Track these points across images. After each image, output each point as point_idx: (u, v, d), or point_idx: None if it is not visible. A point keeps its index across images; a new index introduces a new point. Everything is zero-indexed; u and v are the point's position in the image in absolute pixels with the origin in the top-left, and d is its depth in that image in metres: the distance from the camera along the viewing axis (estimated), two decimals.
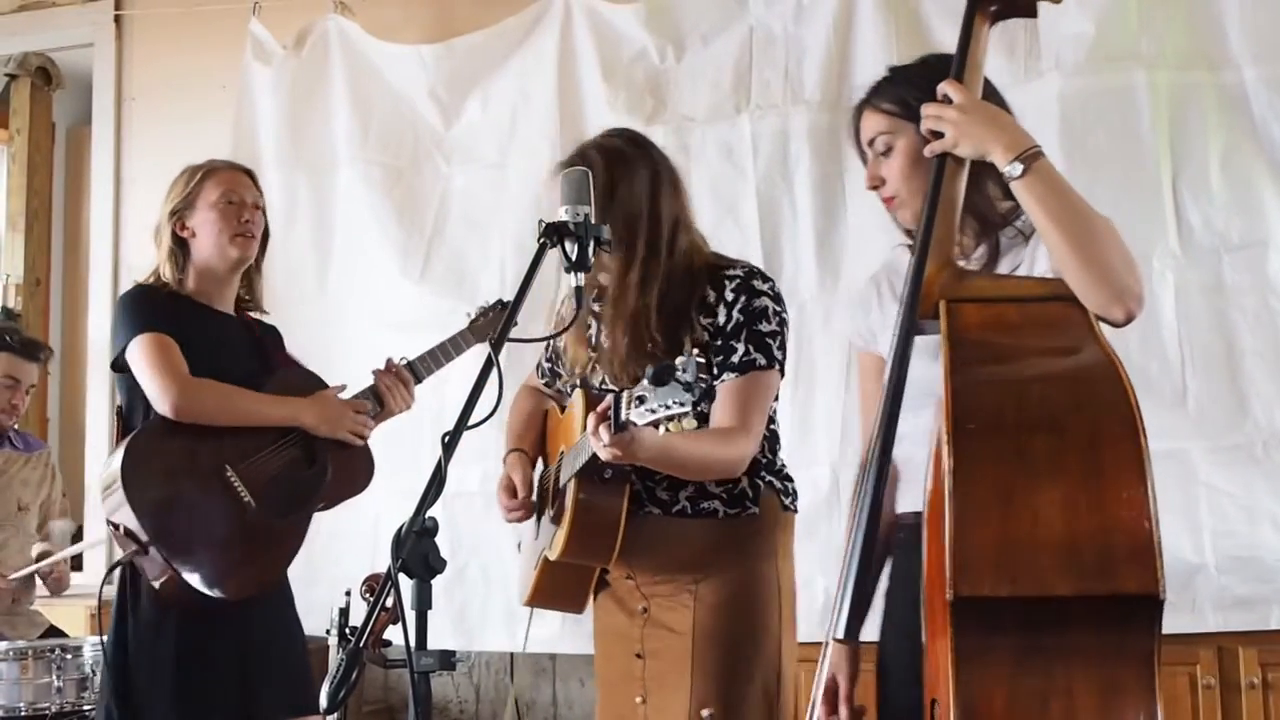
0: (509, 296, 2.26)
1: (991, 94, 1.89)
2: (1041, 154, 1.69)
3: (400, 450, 4.11)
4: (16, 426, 3.97)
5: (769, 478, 2.27)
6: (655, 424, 1.79)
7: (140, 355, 2.63)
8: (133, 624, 2.63)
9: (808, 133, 3.78)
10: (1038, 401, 1.51)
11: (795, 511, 2.31)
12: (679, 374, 1.73)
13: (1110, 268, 1.64)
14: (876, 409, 2.01)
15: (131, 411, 2.73)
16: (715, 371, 2.20)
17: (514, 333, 1.96)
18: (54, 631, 3.73)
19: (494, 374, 1.91)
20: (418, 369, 2.88)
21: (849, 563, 1.57)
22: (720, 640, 2.18)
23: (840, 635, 1.54)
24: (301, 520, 2.71)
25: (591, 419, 1.95)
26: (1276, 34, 3.37)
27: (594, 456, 2.05)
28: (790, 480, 2.33)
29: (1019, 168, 1.67)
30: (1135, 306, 1.65)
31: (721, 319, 2.20)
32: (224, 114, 4.45)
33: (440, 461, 1.77)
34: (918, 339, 1.69)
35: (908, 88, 1.91)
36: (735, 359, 2.18)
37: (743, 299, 2.19)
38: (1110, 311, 1.64)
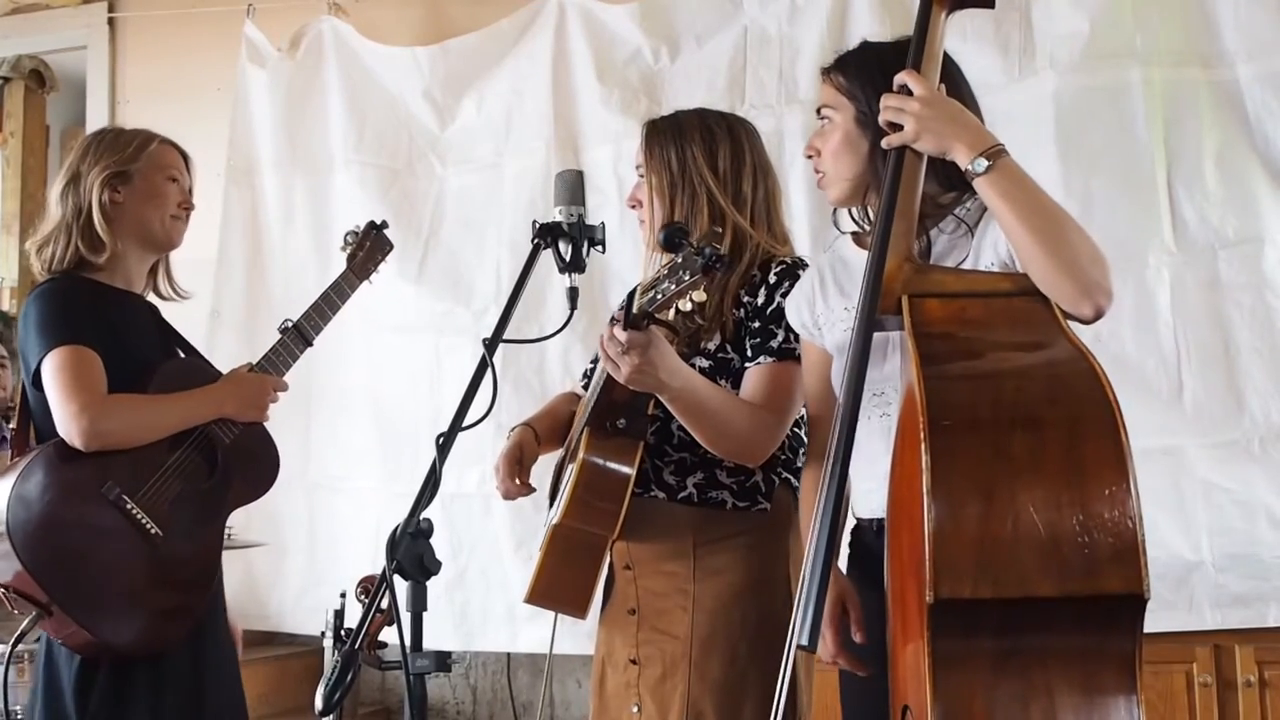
0: (504, 299, 2.22)
1: (961, 81, 1.87)
2: (1005, 151, 1.66)
3: (400, 452, 4.13)
4: (11, 425, 3.95)
5: (786, 475, 2.19)
6: (668, 305, 1.77)
7: (52, 372, 2.30)
8: (46, 695, 2.36)
9: (802, 132, 3.77)
10: (1013, 397, 1.47)
11: None
12: (691, 237, 1.73)
13: (1077, 263, 1.60)
14: (830, 406, 1.98)
15: (45, 437, 2.39)
16: (750, 354, 2.14)
17: (508, 333, 1.96)
18: None
19: (488, 375, 1.91)
20: (305, 329, 2.61)
21: (812, 570, 1.54)
22: (718, 647, 2.10)
23: (805, 643, 1.51)
24: (215, 538, 2.48)
25: (606, 330, 1.91)
26: (1270, 31, 3.37)
27: (605, 397, 2.01)
28: None
29: (984, 163, 1.64)
30: (1104, 301, 1.61)
31: (761, 300, 2.15)
32: (218, 116, 4.45)
33: (434, 463, 1.77)
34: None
35: (863, 67, 1.88)
36: (774, 344, 2.12)
37: (785, 284, 2.14)
38: (1079, 307, 1.60)
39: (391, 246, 2.87)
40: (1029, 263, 1.63)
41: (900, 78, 1.73)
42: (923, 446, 1.41)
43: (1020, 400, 1.46)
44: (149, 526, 2.32)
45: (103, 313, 2.42)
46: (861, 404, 1.70)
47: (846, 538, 2.00)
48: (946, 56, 1.86)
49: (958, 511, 1.39)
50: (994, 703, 1.41)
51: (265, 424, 2.56)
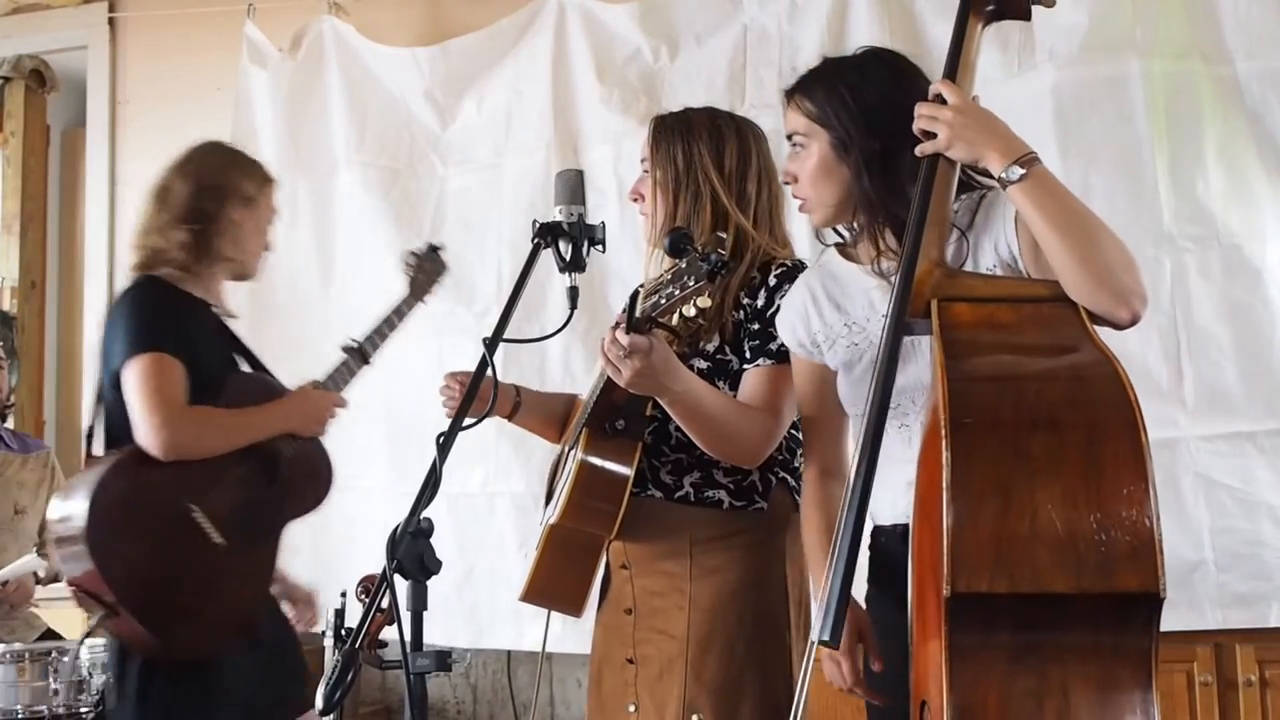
0: (505, 299, 2.21)
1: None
2: (1038, 159, 1.68)
3: (406, 452, 4.13)
4: (11, 426, 3.96)
5: (783, 474, 2.20)
6: (672, 310, 1.78)
7: (136, 380, 2.36)
8: (117, 691, 2.43)
9: None
10: (1035, 398, 1.49)
11: None
12: (695, 243, 1.76)
13: (1111, 270, 1.62)
14: (824, 408, 2.01)
15: (116, 439, 2.46)
16: (749, 356, 2.14)
17: (509, 333, 1.96)
18: (51, 634, 3.71)
19: (488, 375, 1.91)
20: (366, 350, 2.73)
21: (834, 568, 1.56)
22: (715, 646, 2.11)
23: (827, 638, 1.53)
24: (273, 546, 2.55)
25: (607, 333, 1.91)
26: (1270, 29, 3.36)
27: (604, 398, 2.01)
28: None
29: (1018, 171, 1.66)
30: (1140, 307, 1.64)
31: (761, 303, 2.15)
32: (219, 116, 4.44)
33: (435, 462, 1.77)
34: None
35: (829, 91, 1.90)
36: (773, 346, 2.12)
37: (786, 287, 2.14)
38: (1115, 313, 1.63)
39: (446, 268, 2.97)
40: (1062, 270, 1.65)
41: (935, 87, 1.76)
42: (943, 444, 1.43)
43: (1041, 402, 1.49)
44: (213, 535, 2.39)
45: (185, 321, 2.49)
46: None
47: (866, 539, 2.01)
48: (910, 65, 1.91)
49: (976, 508, 1.41)
50: (1009, 698, 1.42)
51: (321, 438, 2.65)
